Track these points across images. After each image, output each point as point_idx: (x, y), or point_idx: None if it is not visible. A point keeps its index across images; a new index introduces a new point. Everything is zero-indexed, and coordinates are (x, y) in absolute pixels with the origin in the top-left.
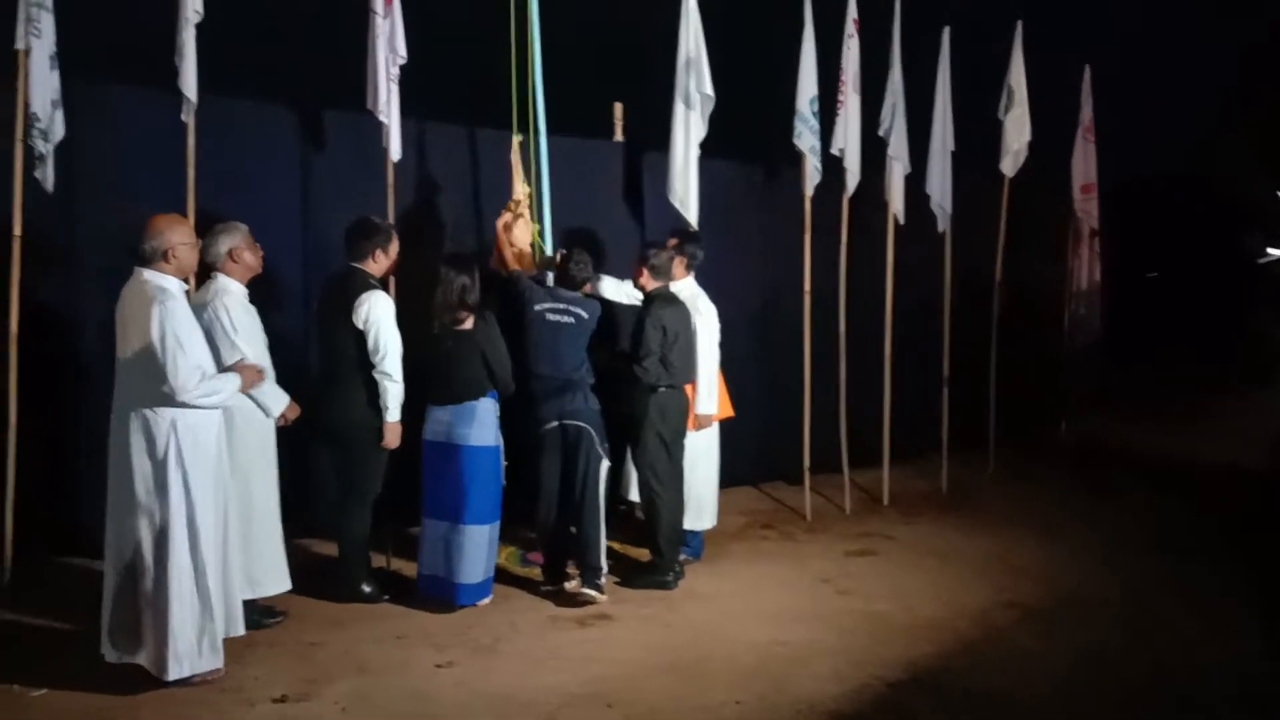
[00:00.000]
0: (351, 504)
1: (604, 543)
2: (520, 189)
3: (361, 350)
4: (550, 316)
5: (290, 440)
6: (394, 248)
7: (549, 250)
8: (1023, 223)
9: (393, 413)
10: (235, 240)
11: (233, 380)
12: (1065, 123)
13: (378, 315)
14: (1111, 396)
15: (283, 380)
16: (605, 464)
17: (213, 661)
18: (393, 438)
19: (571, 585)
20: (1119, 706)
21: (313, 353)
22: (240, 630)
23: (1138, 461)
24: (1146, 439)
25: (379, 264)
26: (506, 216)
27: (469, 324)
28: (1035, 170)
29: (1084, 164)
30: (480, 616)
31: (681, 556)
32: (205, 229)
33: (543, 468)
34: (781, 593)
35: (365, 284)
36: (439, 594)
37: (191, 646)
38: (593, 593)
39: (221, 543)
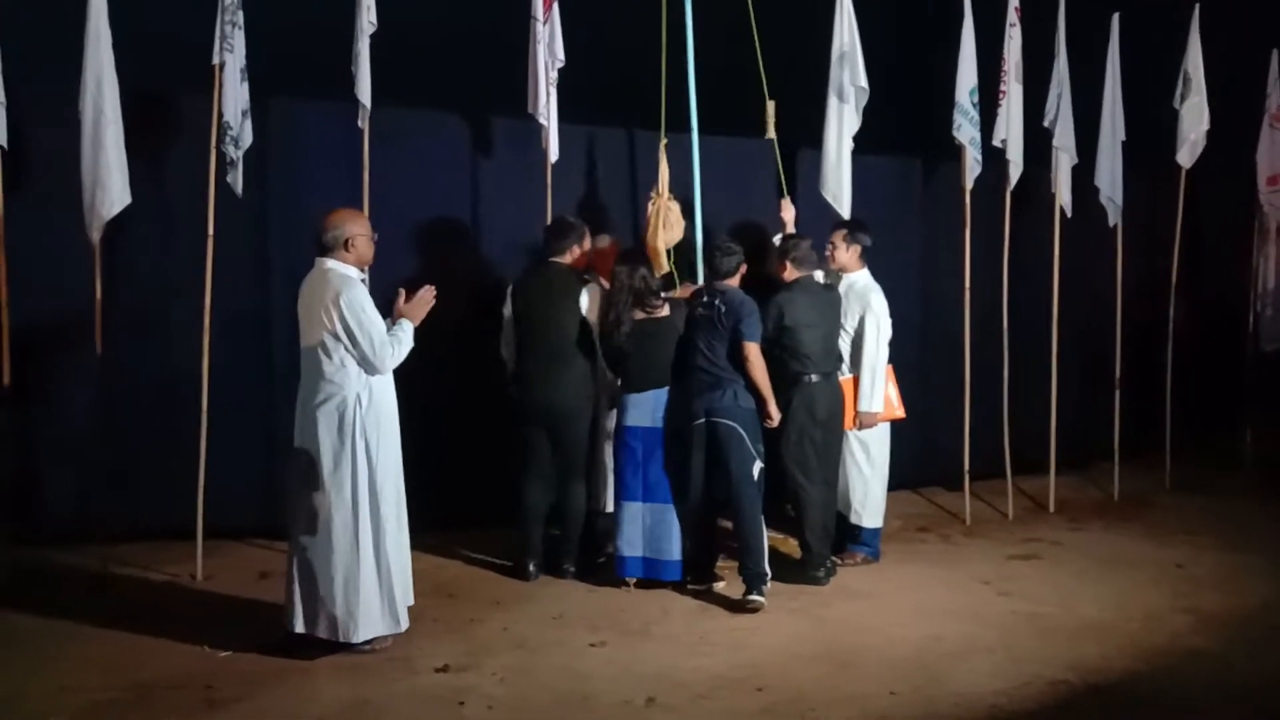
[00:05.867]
0: (573, 482)
1: (765, 548)
2: (663, 184)
3: (584, 335)
4: (698, 310)
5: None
6: (588, 242)
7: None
8: (1202, 217)
9: None
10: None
11: (407, 327)
12: (1250, 111)
13: (590, 305)
14: None
15: (448, 367)
16: (759, 465)
17: (393, 626)
18: None
19: (720, 586)
20: None
21: (482, 345)
22: (412, 600)
23: None
24: None
25: (574, 258)
26: (650, 208)
27: (665, 310)
28: (1216, 162)
29: (1271, 154)
30: (632, 601)
31: (860, 556)
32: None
33: (691, 464)
34: (938, 592)
35: (580, 276)
36: (647, 574)
37: (374, 612)
38: (759, 599)
39: (399, 512)
